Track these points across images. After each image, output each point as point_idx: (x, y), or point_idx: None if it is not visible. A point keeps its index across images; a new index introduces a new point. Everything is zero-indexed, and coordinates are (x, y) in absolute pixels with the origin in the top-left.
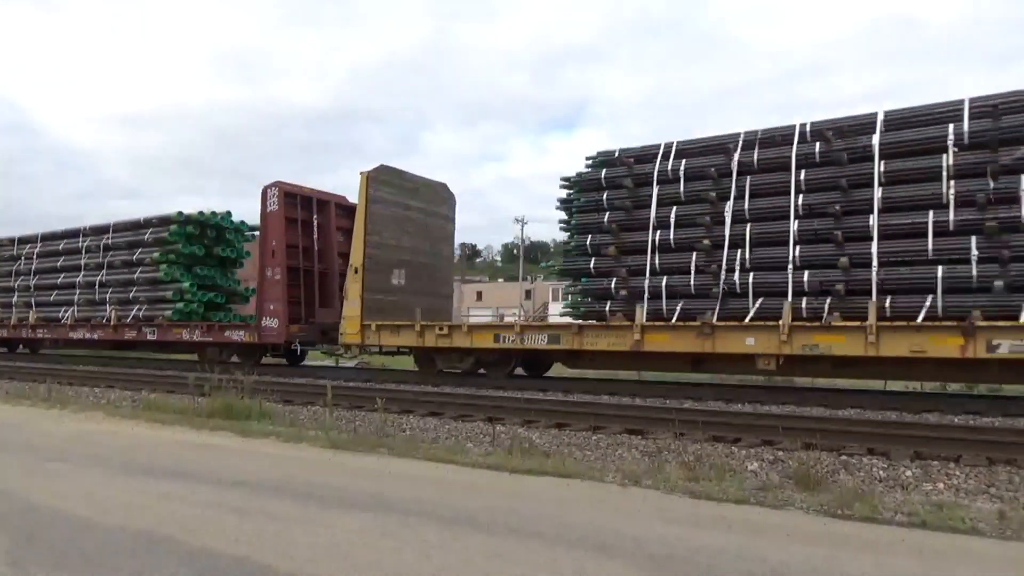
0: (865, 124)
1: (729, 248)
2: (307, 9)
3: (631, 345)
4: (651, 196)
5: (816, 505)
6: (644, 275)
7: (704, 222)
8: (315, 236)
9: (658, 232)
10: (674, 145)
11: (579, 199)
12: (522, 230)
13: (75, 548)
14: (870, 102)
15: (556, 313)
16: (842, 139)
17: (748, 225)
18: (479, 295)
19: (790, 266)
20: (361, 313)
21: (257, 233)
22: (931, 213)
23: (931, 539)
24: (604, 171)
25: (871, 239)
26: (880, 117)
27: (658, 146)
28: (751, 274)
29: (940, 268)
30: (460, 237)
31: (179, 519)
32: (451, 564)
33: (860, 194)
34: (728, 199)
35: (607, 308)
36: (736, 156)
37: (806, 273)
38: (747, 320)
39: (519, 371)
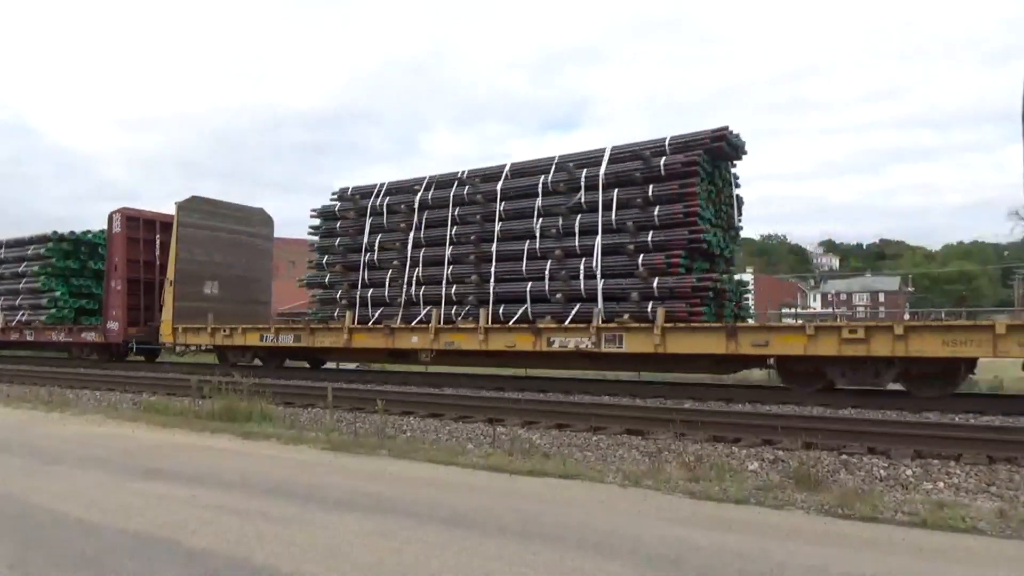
0: (497, 173)
1: (410, 267)
2: (306, 11)
3: (344, 343)
4: (364, 226)
5: (816, 505)
6: (357, 287)
7: (396, 247)
8: (157, 252)
9: (368, 254)
10: (385, 185)
11: (322, 226)
12: None
13: (75, 550)
14: (870, 102)
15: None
16: (484, 183)
17: (423, 249)
18: None
19: (444, 282)
20: (173, 318)
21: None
22: (527, 242)
23: (932, 538)
24: (339, 204)
25: (491, 261)
26: (507, 168)
27: (375, 185)
28: (423, 288)
29: (528, 284)
30: None
31: (179, 521)
32: (451, 565)
33: (490, 227)
34: (411, 229)
35: (334, 314)
36: (418, 196)
37: (454, 287)
38: (414, 323)
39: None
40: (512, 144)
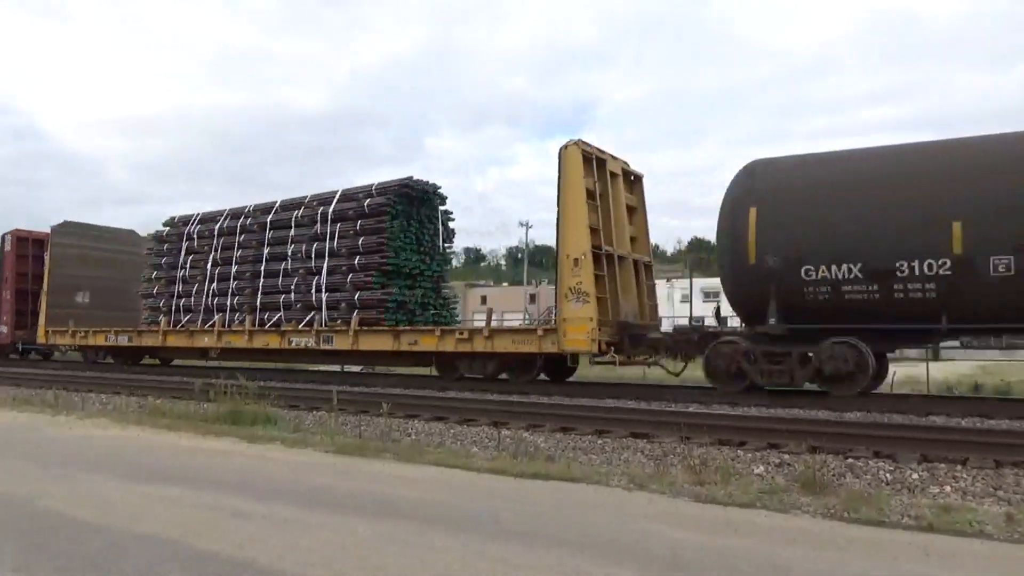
0: (270, 207)
1: (208, 282)
2: (308, 13)
3: (160, 342)
4: (182, 248)
5: (822, 508)
6: (174, 298)
7: (200, 265)
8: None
9: (182, 271)
10: (199, 214)
11: (154, 248)
12: (526, 234)
13: (80, 552)
14: (872, 102)
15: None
16: (261, 216)
17: (218, 267)
18: (483, 299)
19: (229, 294)
20: (45, 322)
21: None
22: (283, 262)
23: (938, 542)
24: (168, 230)
25: (259, 277)
26: (277, 203)
27: (192, 216)
28: (216, 299)
29: (282, 296)
30: (463, 240)
31: (184, 523)
32: (456, 569)
33: (262, 251)
34: (212, 251)
35: (159, 319)
36: (218, 224)
37: (236, 298)
38: (205, 327)
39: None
40: (516, 147)
